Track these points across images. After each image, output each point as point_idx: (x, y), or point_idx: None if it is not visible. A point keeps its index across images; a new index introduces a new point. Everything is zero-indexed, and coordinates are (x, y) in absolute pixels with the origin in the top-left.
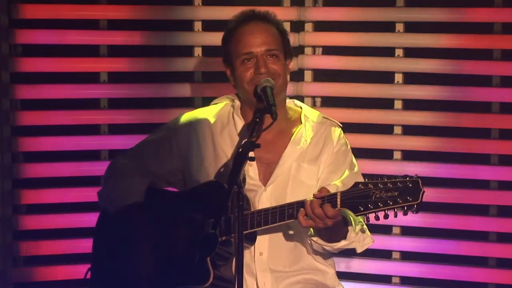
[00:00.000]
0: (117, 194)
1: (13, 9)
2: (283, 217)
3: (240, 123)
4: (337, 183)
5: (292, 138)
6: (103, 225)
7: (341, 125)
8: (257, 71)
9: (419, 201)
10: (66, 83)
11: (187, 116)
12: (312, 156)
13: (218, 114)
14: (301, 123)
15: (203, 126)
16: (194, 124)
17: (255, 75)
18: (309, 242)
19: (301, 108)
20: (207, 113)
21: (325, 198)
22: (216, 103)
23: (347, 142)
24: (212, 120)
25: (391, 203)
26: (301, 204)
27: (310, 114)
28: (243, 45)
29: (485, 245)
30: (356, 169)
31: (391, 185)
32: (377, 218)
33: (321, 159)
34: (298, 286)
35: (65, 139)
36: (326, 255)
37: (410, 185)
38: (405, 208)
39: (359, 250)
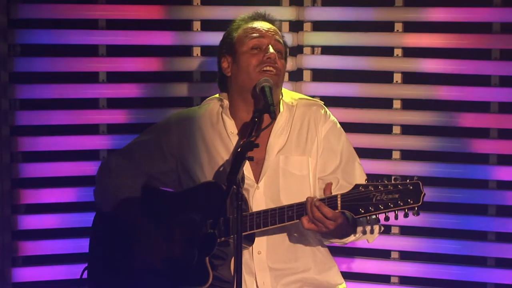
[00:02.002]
0: (112, 192)
1: (12, 9)
2: (282, 219)
3: (229, 122)
4: (338, 172)
5: (272, 129)
6: (99, 224)
7: (322, 102)
8: (266, 55)
9: (420, 203)
10: (65, 83)
11: (176, 116)
12: (299, 144)
13: (207, 113)
14: (279, 111)
15: (193, 126)
16: (184, 124)
17: (262, 59)
18: (318, 237)
19: (282, 94)
20: (196, 112)
21: (325, 200)
22: (205, 103)
23: (335, 120)
24: (201, 120)
25: (392, 206)
26: (300, 206)
27: (288, 100)
28: (254, 29)
29: (484, 244)
30: (350, 148)
31: (391, 188)
32: (377, 220)
33: (310, 149)
34: (298, 284)
35: (64, 138)
36: (326, 250)
37: (411, 187)
38: (406, 210)
39: (370, 241)
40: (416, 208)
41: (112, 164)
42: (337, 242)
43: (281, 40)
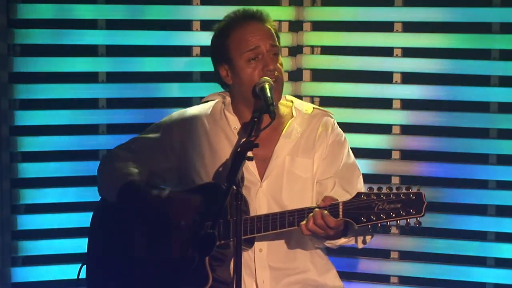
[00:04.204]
0: (118, 175)
1: (12, 8)
2: (283, 224)
3: (232, 119)
4: (335, 177)
5: (283, 131)
6: (99, 223)
7: (333, 114)
8: (266, 68)
9: (422, 214)
10: (65, 83)
11: (179, 115)
12: (306, 148)
13: (210, 111)
14: (293, 116)
15: (196, 124)
16: (187, 123)
17: (263, 73)
18: (309, 238)
19: (292, 102)
20: (199, 111)
21: (327, 207)
22: (206, 100)
23: (342, 133)
24: (204, 118)
25: (393, 215)
26: (302, 212)
27: (301, 107)
28: (248, 41)
29: (483, 244)
30: (352, 159)
31: (394, 197)
32: (380, 229)
33: (315, 152)
34: (297, 284)
35: (63, 138)
36: (326, 252)
37: (414, 197)
38: (408, 220)
39: (360, 246)
40: (417, 219)
41: (116, 153)
42: (328, 244)
43: (275, 43)
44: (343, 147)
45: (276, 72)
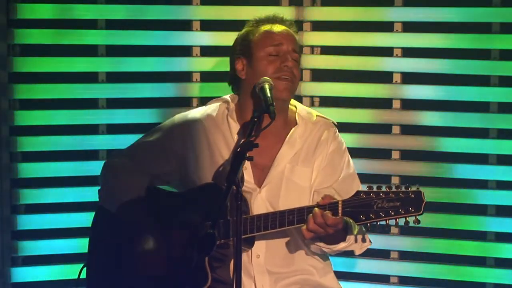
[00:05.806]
0: (118, 192)
1: (12, 8)
2: (283, 223)
3: (234, 125)
4: (334, 187)
5: (286, 139)
6: (99, 224)
7: (336, 123)
8: (284, 64)
9: (421, 212)
10: (65, 83)
11: (180, 118)
12: (306, 157)
13: (212, 115)
14: (296, 123)
15: (197, 128)
16: (188, 126)
17: (280, 67)
18: (307, 244)
19: (295, 107)
20: (201, 114)
21: (326, 206)
22: (210, 105)
23: (343, 141)
24: (205, 121)
25: (392, 213)
26: (301, 210)
27: (304, 114)
28: (273, 38)
29: (483, 244)
30: (352, 170)
31: (393, 195)
32: (379, 227)
33: (315, 161)
34: (296, 285)
35: (63, 138)
36: (324, 255)
37: (413, 196)
38: (407, 218)
39: (357, 252)
40: (416, 217)
41: (116, 164)
42: (326, 249)
43: (297, 50)
44: (343, 157)
45: (293, 71)
